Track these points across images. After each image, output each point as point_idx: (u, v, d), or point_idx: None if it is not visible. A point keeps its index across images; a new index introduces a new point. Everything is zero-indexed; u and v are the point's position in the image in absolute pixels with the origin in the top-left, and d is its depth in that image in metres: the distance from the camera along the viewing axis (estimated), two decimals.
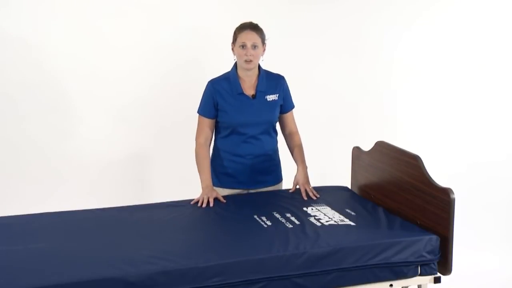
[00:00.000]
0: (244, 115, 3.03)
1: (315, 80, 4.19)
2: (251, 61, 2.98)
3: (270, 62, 4.09)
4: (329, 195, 3.06)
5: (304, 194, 3.04)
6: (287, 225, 2.63)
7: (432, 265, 2.54)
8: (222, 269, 2.26)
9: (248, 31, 2.99)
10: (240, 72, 3.06)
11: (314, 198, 3.00)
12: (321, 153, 4.12)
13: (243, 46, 2.97)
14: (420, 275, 2.53)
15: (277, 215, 2.76)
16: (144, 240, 2.46)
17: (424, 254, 2.50)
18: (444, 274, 2.58)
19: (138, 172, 4.09)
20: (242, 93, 3.04)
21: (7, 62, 3.79)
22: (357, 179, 3.25)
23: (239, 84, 3.04)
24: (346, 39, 4.19)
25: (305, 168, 3.14)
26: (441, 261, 2.56)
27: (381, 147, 3.05)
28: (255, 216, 2.74)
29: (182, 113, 4.08)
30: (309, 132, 4.17)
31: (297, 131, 3.23)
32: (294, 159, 3.19)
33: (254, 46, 2.98)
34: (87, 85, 3.91)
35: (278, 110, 3.12)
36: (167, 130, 4.07)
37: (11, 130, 3.85)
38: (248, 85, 3.06)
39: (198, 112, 3.11)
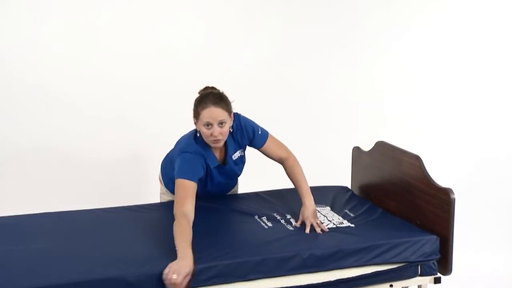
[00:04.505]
0: (215, 186, 2.86)
1: (315, 79, 4.18)
2: (219, 140, 2.62)
3: (269, 62, 4.12)
4: (329, 195, 3.06)
5: (308, 229, 2.56)
6: (287, 227, 2.63)
7: (432, 265, 2.54)
8: (222, 269, 2.25)
9: (212, 108, 2.56)
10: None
11: (321, 232, 2.55)
12: (321, 153, 4.13)
13: (208, 125, 2.58)
14: (420, 275, 2.53)
15: (278, 216, 2.76)
16: (144, 240, 2.46)
17: (424, 254, 2.50)
18: (444, 274, 2.58)
19: (138, 172, 4.08)
20: (218, 165, 2.78)
21: (6, 62, 3.79)
22: (357, 179, 3.25)
23: (215, 157, 2.74)
24: (346, 38, 4.18)
25: (311, 200, 2.70)
26: (441, 261, 2.56)
27: (381, 147, 3.05)
28: (256, 217, 2.74)
29: (182, 113, 4.08)
30: (309, 132, 4.19)
31: (287, 154, 2.84)
32: (296, 189, 2.79)
33: (221, 123, 2.59)
34: (87, 85, 3.91)
35: (244, 161, 2.90)
36: (167, 130, 4.05)
37: (11, 130, 3.84)
38: (219, 154, 2.77)
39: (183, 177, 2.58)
